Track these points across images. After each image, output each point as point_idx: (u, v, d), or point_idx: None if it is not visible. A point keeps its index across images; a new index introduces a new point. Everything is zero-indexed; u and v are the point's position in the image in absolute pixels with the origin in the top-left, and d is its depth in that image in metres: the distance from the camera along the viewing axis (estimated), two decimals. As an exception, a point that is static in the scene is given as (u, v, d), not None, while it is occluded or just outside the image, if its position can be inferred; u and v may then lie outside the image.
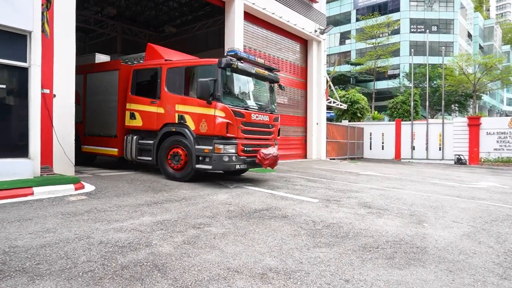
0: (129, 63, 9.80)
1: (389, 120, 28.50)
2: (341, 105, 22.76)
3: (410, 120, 22.77)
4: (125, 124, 8.95)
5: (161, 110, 8.25)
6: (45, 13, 6.78)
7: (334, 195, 7.22)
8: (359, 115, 27.35)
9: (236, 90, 7.96)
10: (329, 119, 26.71)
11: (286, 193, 7.22)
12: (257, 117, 8.00)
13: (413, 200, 7.09)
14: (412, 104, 22.58)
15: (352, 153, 22.15)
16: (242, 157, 7.61)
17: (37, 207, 5.05)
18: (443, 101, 22.84)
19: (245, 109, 7.77)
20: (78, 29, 23.01)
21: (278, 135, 8.97)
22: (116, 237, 3.91)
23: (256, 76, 8.29)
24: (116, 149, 9.15)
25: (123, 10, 20.55)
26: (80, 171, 8.97)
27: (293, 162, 14.80)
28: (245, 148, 7.70)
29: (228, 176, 9.32)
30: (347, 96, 27.73)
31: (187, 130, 7.73)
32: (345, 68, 52.59)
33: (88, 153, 9.80)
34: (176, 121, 7.93)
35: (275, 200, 6.43)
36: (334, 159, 18.86)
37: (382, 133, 23.26)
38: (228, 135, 7.39)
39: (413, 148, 21.68)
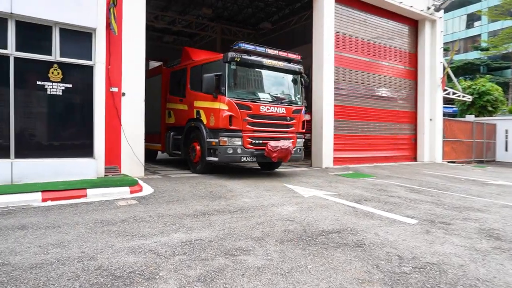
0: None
1: (534, 114, 22.77)
2: (463, 96, 18.84)
3: None
4: (165, 121, 9.78)
5: (185, 107, 8.73)
6: (111, 10, 6.62)
7: (443, 214, 5.29)
8: (490, 108, 22.49)
9: (246, 83, 7.93)
10: (451, 115, 22.65)
11: (374, 207, 5.60)
12: (268, 109, 7.83)
13: None
14: None
15: (479, 155, 18.14)
16: (249, 150, 7.60)
17: (78, 212, 4.69)
18: None
19: (252, 102, 7.67)
20: (184, 34, 24.55)
21: (303, 128, 8.61)
22: (122, 261, 3.12)
23: (269, 68, 8.07)
24: (159, 145, 10.10)
25: (221, 11, 20.88)
26: (156, 171, 8.85)
27: (397, 166, 12.52)
28: (253, 141, 7.65)
29: (306, 183, 8.01)
30: (473, 86, 23.11)
31: (201, 125, 8.02)
32: (472, 55, 44.86)
33: (147, 149, 10.79)
34: (195, 117, 8.29)
35: (356, 217, 4.92)
36: (453, 162, 15.59)
37: (524, 131, 18.45)
38: (231, 127, 7.43)
39: None
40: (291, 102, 8.33)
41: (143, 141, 7.44)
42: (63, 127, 6.11)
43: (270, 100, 7.96)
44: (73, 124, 6.21)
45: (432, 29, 14.37)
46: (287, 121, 8.14)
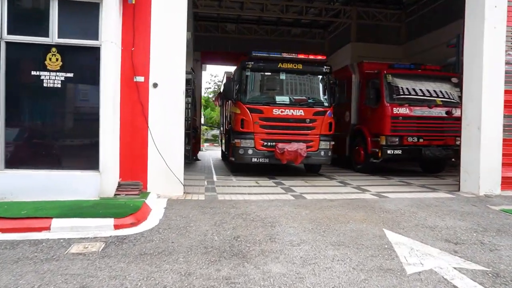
0: None
1: None
2: None
3: None
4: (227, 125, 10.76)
5: (228, 112, 9.80)
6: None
7: None
8: None
9: (263, 88, 8.46)
10: None
11: None
12: (282, 112, 8.04)
13: None
14: None
15: None
16: (261, 151, 7.94)
17: (-11, 264, 3.02)
18: None
19: (265, 105, 8.01)
20: (315, 26, 22.11)
21: (330, 130, 8.51)
22: None
23: (287, 71, 8.29)
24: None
25: (355, -9, 17.66)
26: (217, 186, 6.85)
27: None
28: (265, 143, 7.96)
29: (431, 230, 4.52)
30: None
31: (231, 127, 8.84)
32: None
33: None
34: (229, 120, 9.39)
35: None
36: None
37: None
38: (242, 130, 7.96)
39: None
40: (314, 104, 8.43)
41: (183, 150, 5.45)
42: (62, 129, 4.76)
43: (288, 102, 8.25)
44: (74, 126, 4.80)
45: None
46: (306, 123, 8.19)
